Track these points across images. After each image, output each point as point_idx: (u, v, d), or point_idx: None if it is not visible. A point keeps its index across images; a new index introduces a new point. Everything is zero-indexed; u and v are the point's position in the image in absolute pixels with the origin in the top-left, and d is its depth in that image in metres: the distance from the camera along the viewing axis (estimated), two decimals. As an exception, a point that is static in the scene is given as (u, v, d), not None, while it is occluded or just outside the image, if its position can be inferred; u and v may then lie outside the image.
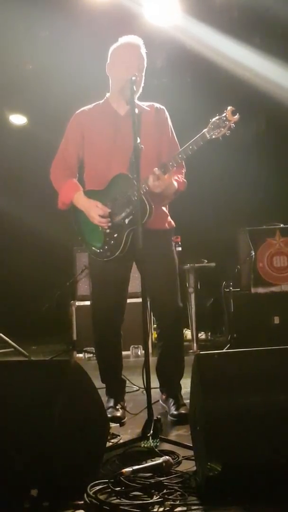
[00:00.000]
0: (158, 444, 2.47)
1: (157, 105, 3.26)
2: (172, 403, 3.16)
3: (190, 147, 2.89)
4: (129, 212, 3.00)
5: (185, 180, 3.19)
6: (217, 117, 2.83)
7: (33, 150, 6.50)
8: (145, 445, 2.44)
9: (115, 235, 3.05)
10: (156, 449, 2.43)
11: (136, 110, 2.79)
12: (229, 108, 2.81)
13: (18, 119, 7.22)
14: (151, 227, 2.94)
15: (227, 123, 2.80)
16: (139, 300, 2.76)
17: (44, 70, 5.95)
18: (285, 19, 5.36)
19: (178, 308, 3.23)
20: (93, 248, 3.15)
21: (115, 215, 3.05)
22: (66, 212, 3.25)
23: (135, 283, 3.32)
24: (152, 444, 2.42)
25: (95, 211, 3.06)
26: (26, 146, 6.86)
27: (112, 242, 3.06)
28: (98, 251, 3.12)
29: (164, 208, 3.25)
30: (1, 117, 7.13)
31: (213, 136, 2.82)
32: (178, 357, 3.28)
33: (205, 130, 2.84)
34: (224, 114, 2.81)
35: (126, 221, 3.02)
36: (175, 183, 3.07)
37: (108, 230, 3.07)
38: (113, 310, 3.24)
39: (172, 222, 3.29)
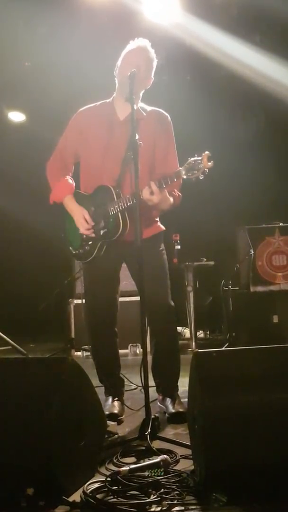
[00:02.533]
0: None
1: (161, 112, 3.24)
2: (169, 402, 3.15)
3: (165, 181, 2.87)
4: (104, 225, 3.08)
5: (180, 193, 3.17)
6: (193, 159, 2.80)
7: (32, 147, 6.47)
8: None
9: (90, 242, 3.16)
10: (153, 448, 2.42)
11: (132, 110, 2.79)
12: (206, 153, 2.77)
13: (16, 116, 7.20)
14: (129, 239, 2.95)
15: (201, 167, 2.77)
16: (136, 298, 2.75)
17: (42, 67, 5.92)
18: (285, 17, 5.34)
19: (168, 307, 3.20)
20: (70, 248, 3.27)
21: (92, 230, 3.13)
22: (63, 209, 3.26)
23: (128, 282, 3.32)
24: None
25: (81, 222, 3.13)
26: (25, 144, 6.84)
27: (87, 248, 3.17)
28: (74, 251, 3.25)
29: (153, 217, 3.24)
30: (-1, 115, 7.12)
31: (186, 177, 2.82)
32: (172, 356, 3.25)
33: (180, 168, 2.83)
34: (200, 158, 2.78)
35: (101, 232, 3.11)
36: (171, 198, 3.05)
37: (85, 236, 3.16)
38: (105, 309, 3.24)
39: (161, 226, 3.28)
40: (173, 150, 3.23)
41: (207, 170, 2.78)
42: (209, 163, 2.77)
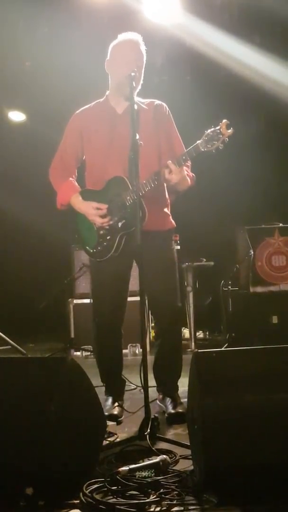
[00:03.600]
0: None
1: (157, 102, 3.23)
2: (169, 402, 3.16)
3: (184, 157, 2.88)
4: (122, 216, 3.02)
5: (193, 174, 3.17)
6: (211, 129, 2.78)
7: (32, 147, 6.49)
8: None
9: (108, 237, 3.08)
10: (153, 448, 2.42)
11: (135, 106, 2.79)
12: (224, 121, 2.76)
13: (17, 116, 7.19)
14: (151, 229, 2.92)
15: (221, 136, 2.75)
16: (137, 298, 2.75)
17: (43, 66, 5.92)
18: (285, 17, 5.34)
19: (176, 307, 3.21)
20: (87, 247, 3.19)
21: (109, 217, 3.07)
22: (64, 210, 3.25)
23: (133, 281, 3.31)
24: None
25: (93, 213, 3.07)
26: (25, 143, 6.84)
27: (105, 243, 3.09)
28: (92, 250, 3.16)
29: (166, 209, 3.24)
30: (-1, 114, 7.12)
31: (206, 149, 2.79)
32: (175, 356, 3.26)
33: (198, 142, 2.81)
34: (218, 127, 2.77)
35: (120, 224, 3.04)
36: (188, 178, 3.07)
37: (102, 232, 3.09)
38: (113, 311, 3.23)
39: (173, 222, 3.28)
40: (177, 134, 3.23)
41: (227, 139, 2.76)
42: (229, 131, 2.75)
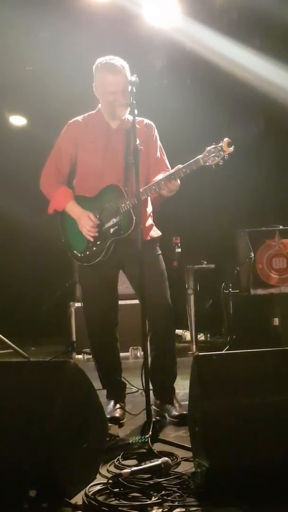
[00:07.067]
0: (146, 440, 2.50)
1: (146, 120, 3.29)
2: (169, 406, 3.16)
3: (184, 170, 2.95)
4: (115, 222, 3.08)
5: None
6: (213, 146, 2.92)
7: (33, 151, 6.49)
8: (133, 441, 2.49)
9: (98, 242, 3.12)
10: (153, 449, 2.44)
11: (132, 117, 2.85)
12: (225, 139, 2.91)
13: (18, 120, 7.21)
14: (134, 238, 2.93)
15: (222, 153, 2.90)
16: (135, 301, 2.77)
17: (44, 71, 5.94)
18: (285, 21, 5.36)
19: (168, 306, 3.18)
20: (74, 251, 3.21)
21: (101, 224, 3.11)
22: (60, 215, 3.26)
23: (128, 285, 3.32)
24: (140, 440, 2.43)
25: (86, 221, 3.10)
26: (26, 147, 6.85)
27: (95, 248, 3.13)
28: (79, 255, 3.19)
29: (150, 219, 3.28)
30: (0, 118, 7.13)
31: (207, 164, 2.93)
32: (170, 362, 3.25)
33: (199, 156, 2.93)
34: (220, 144, 2.91)
35: (111, 230, 3.10)
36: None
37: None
38: (106, 313, 3.25)
39: (158, 232, 3.31)
40: (162, 151, 3.32)
41: (227, 155, 2.89)
42: (230, 148, 2.90)
